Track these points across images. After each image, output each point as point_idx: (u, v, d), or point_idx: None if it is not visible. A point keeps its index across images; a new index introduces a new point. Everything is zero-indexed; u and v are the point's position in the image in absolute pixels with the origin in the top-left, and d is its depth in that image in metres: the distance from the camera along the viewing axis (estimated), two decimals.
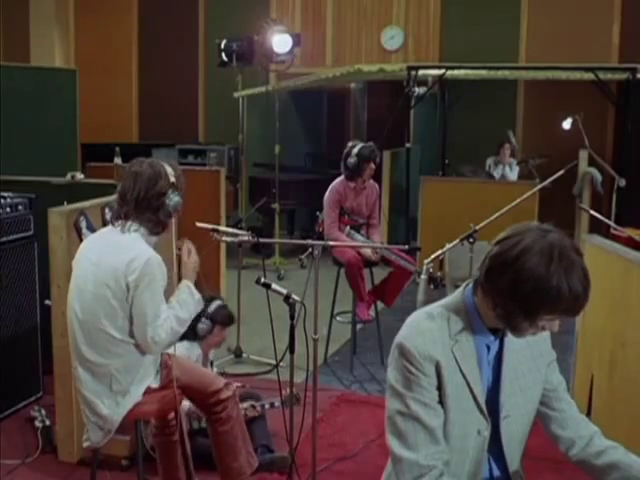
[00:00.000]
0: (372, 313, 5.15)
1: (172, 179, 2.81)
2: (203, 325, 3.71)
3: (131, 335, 2.77)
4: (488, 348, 1.88)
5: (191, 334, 3.73)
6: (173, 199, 2.79)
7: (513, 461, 1.96)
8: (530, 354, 1.94)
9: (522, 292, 1.69)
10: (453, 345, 1.82)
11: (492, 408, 1.89)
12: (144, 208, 2.76)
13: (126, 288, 2.70)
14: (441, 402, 1.82)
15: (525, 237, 1.72)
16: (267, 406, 3.73)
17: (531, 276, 1.67)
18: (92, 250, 2.82)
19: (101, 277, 2.72)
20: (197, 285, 2.96)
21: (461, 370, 1.82)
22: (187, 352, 3.62)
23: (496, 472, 1.96)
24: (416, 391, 1.79)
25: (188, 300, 2.85)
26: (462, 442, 1.86)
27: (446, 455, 1.81)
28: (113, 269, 2.70)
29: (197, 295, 2.90)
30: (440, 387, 1.81)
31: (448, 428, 1.83)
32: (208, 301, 3.78)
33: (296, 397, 3.43)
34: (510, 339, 1.89)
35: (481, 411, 1.86)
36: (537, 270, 1.67)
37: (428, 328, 1.83)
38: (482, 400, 1.86)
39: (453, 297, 1.90)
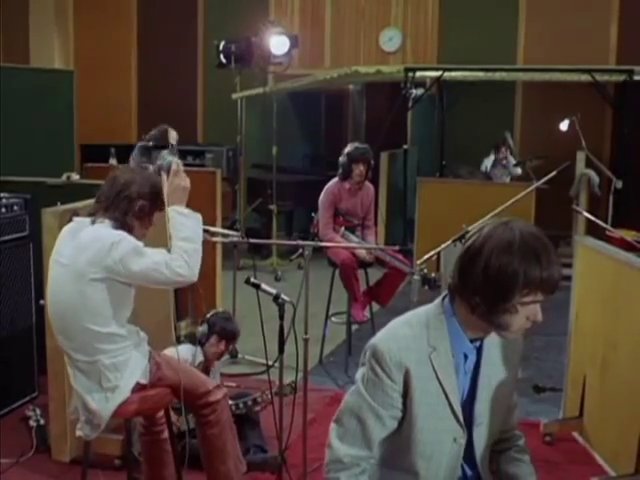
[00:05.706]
0: (367, 314, 5.15)
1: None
2: (200, 328, 3.69)
3: (119, 325, 2.77)
4: (465, 357, 1.90)
5: (193, 337, 3.71)
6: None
7: (484, 464, 1.99)
8: (505, 366, 1.96)
9: (494, 271, 1.73)
10: (431, 352, 1.84)
11: (466, 416, 1.91)
12: (113, 210, 2.81)
13: (111, 271, 2.68)
14: (405, 409, 1.85)
15: (484, 229, 1.81)
16: (259, 399, 3.70)
17: (498, 252, 1.73)
18: (61, 253, 2.82)
19: (78, 275, 2.71)
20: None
21: (438, 378, 1.84)
22: (190, 357, 3.61)
23: (468, 472, 1.99)
24: (375, 399, 1.84)
25: (180, 221, 2.76)
26: (434, 449, 1.88)
27: (373, 460, 1.90)
28: (89, 263, 2.69)
29: (186, 210, 2.80)
30: (406, 395, 1.84)
31: (416, 435, 1.85)
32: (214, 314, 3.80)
33: (291, 386, 3.43)
34: (488, 349, 1.92)
35: (457, 419, 1.88)
36: (501, 245, 1.74)
37: (404, 335, 1.86)
38: (458, 409, 1.88)
39: (433, 306, 1.92)
